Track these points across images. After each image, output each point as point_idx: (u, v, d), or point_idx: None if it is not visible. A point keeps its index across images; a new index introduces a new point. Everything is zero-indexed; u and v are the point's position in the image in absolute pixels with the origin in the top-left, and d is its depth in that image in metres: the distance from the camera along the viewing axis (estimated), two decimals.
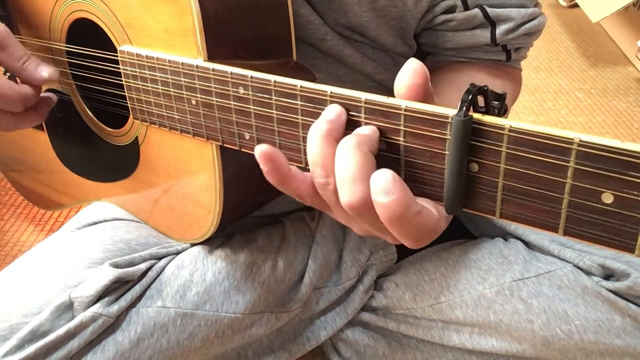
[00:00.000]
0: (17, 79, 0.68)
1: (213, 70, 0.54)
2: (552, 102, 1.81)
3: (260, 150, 0.44)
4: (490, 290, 0.77)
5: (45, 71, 0.67)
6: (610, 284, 0.73)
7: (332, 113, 0.44)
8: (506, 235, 0.83)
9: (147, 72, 0.62)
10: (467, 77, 0.76)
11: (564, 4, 2.58)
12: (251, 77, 0.51)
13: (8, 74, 0.68)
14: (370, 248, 0.85)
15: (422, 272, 0.82)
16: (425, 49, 0.82)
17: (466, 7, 0.73)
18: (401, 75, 0.42)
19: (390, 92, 0.44)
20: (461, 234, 0.88)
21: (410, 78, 0.42)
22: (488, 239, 0.84)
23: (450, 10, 0.74)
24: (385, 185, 0.40)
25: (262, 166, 0.45)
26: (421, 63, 0.42)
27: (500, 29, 0.74)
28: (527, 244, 0.81)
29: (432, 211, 0.43)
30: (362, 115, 0.44)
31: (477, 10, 0.73)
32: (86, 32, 0.71)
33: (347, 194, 0.42)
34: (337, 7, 0.70)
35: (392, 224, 0.41)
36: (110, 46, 0.67)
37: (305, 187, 0.47)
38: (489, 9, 0.73)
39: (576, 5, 2.30)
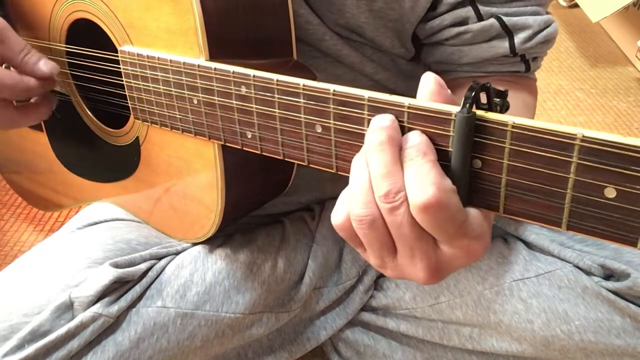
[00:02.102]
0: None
1: (215, 69, 0.54)
2: (552, 102, 1.81)
3: None
4: (490, 291, 0.77)
5: (45, 66, 0.67)
6: (610, 284, 0.73)
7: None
8: (506, 235, 0.83)
9: (148, 71, 0.62)
10: None
11: (564, 4, 2.58)
12: (253, 76, 0.51)
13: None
14: None
15: None
16: (437, 68, 0.79)
17: (480, 18, 0.71)
18: (419, 88, 0.43)
19: (389, 92, 0.44)
20: None
21: (426, 86, 0.42)
22: None
23: (463, 22, 0.72)
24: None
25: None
26: (432, 73, 0.43)
27: (519, 38, 0.71)
28: (527, 244, 0.81)
29: (479, 215, 0.43)
30: (365, 112, 0.44)
31: (493, 21, 0.71)
32: (86, 33, 0.71)
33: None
34: (335, 7, 0.70)
35: (437, 212, 0.41)
36: (110, 46, 0.67)
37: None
38: (505, 19, 0.71)
39: (576, 5, 2.30)
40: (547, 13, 0.74)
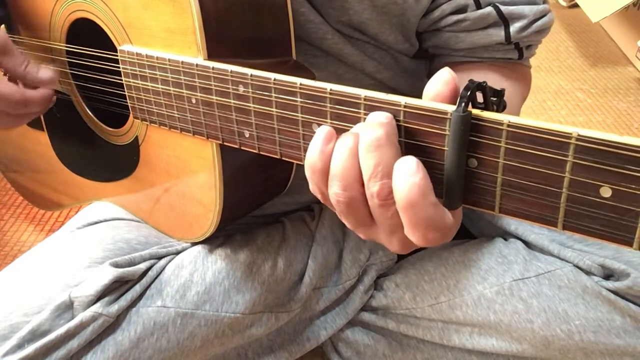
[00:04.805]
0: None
1: (213, 68, 0.54)
2: (552, 102, 1.81)
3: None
4: (490, 290, 0.77)
5: (46, 74, 0.70)
6: (610, 284, 0.73)
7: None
8: (506, 235, 0.83)
9: (147, 71, 0.62)
10: (479, 77, 0.75)
11: (564, 4, 2.58)
12: (251, 75, 0.51)
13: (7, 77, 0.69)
14: (370, 248, 0.84)
15: (422, 272, 0.82)
16: (433, 52, 0.81)
17: (478, 6, 0.73)
18: (431, 83, 0.43)
19: (390, 92, 0.44)
20: (461, 234, 0.88)
21: (438, 87, 0.42)
22: (488, 238, 0.84)
23: (462, 10, 0.73)
24: (409, 168, 0.40)
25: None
26: (453, 74, 0.43)
27: (514, 27, 0.73)
28: (527, 244, 0.81)
29: (448, 213, 0.43)
30: (362, 111, 0.44)
31: (490, 9, 0.72)
32: (86, 32, 0.71)
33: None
34: (337, 4, 0.70)
35: (406, 209, 0.41)
36: (110, 46, 0.67)
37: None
38: (502, 7, 0.72)
39: (576, 5, 2.30)
40: (544, 2, 0.75)
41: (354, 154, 0.43)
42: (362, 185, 0.44)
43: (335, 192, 0.45)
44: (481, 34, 0.74)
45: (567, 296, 0.74)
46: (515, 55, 0.77)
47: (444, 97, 0.42)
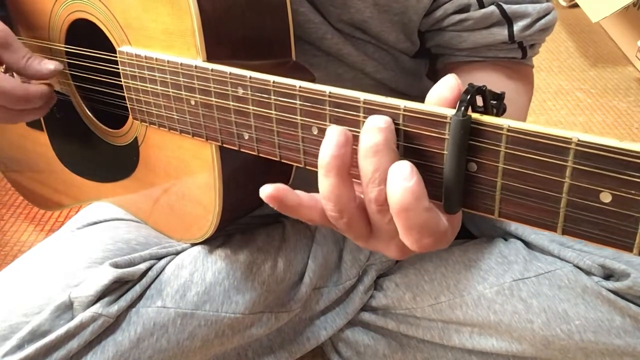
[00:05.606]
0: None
1: (212, 70, 0.54)
2: (552, 102, 1.81)
3: (265, 194, 0.45)
4: (490, 290, 0.77)
5: (50, 64, 0.68)
6: (610, 284, 0.73)
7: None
8: (506, 235, 0.83)
9: (146, 72, 0.62)
10: (483, 77, 0.75)
11: (564, 4, 2.57)
12: (250, 78, 0.51)
13: (7, 73, 0.68)
14: None
15: (422, 272, 0.82)
16: (436, 51, 0.81)
17: (481, 6, 0.73)
18: (435, 88, 0.43)
19: (390, 92, 0.44)
20: (461, 234, 0.88)
21: (443, 93, 0.42)
22: (488, 239, 0.84)
23: (465, 9, 0.73)
24: (403, 173, 0.40)
25: (271, 205, 0.45)
26: (458, 81, 0.43)
27: (518, 26, 0.73)
28: (527, 244, 0.81)
29: (442, 218, 0.43)
30: (361, 115, 0.44)
31: (493, 8, 0.72)
32: (85, 33, 0.71)
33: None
34: (339, 3, 0.70)
35: (400, 214, 0.41)
36: (109, 47, 0.67)
37: (317, 212, 0.47)
38: (505, 6, 0.72)
39: (576, 5, 2.29)
40: (547, 0, 0.75)
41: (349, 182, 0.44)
42: (355, 201, 0.45)
43: (332, 216, 0.46)
44: (484, 33, 0.74)
45: (567, 296, 0.74)
46: (519, 54, 0.77)
47: (447, 103, 0.42)
